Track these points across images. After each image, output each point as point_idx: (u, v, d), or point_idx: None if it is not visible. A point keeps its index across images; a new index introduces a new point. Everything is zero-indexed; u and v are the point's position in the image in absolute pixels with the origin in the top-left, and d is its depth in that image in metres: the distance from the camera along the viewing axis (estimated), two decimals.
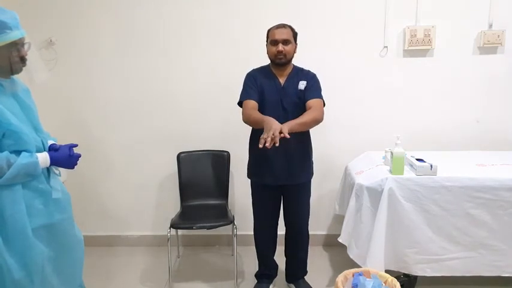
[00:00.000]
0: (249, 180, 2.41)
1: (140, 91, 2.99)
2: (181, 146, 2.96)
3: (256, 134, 2.24)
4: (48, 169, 1.71)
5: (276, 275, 2.57)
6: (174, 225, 2.58)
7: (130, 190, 3.13)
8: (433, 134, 2.91)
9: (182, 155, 2.92)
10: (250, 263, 2.82)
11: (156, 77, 2.97)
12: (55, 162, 1.70)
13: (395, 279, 1.92)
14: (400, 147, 2.21)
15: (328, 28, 2.86)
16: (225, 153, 2.94)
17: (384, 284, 1.90)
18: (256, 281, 2.55)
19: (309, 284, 2.48)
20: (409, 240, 2.21)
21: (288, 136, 1.87)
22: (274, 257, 2.53)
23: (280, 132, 1.86)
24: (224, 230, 2.89)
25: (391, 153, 2.24)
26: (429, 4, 2.79)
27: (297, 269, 2.51)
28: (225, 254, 3.07)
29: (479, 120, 2.91)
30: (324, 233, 3.14)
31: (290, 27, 2.21)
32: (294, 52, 2.23)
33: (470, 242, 2.20)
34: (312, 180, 2.40)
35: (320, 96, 2.24)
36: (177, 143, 2.98)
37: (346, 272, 1.96)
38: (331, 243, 2.97)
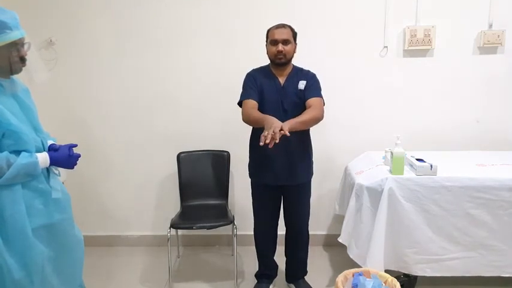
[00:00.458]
0: (249, 180, 2.41)
1: (140, 91, 2.99)
2: (181, 146, 2.96)
3: (256, 134, 2.25)
4: (47, 169, 1.71)
5: (276, 275, 2.57)
6: (174, 225, 2.58)
7: (130, 190, 3.13)
8: (433, 134, 2.91)
9: (182, 155, 2.92)
10: (250, 263, 2.82)
11: (156, 77, 2.97)
12: (55, 162, 1.70)
13: (395, 279, 1.92)
14: (400, 147, 2.21)
15: (328, 28, 2.86)
16: (225, 153, 2.94)
17: (383, 284, 1.90)
18: (256, 281, 2.55)
19: (309, 284, 2.48)
20: (409, 240, 2.21)
21: (288, 134, 1.87)
22: (274, 257, 2.53)
23: (281, 130, 1.86)
24: (224, 230, 2.89)
25: (391, 153, 2.24)
26: (429, 4, 2.79)
27: (297, 269, 2.51)
28: (225, 254, 3.07)
29: (479, 120, 2.91)
30: (324, 233, 3.14)
31: (290, 27, 2.21)
32: (294, 52, 2.23)
33: (470, 242, 2.20)
34: (312, 180, 2.40)
35: (320, 95, 2.24)
36: (177, 143, 2.98)
37: (346, 272, 1.96)
38: (331, 243, 2.97)
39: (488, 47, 2.81)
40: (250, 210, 2.47)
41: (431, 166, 2.18)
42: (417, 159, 2.27)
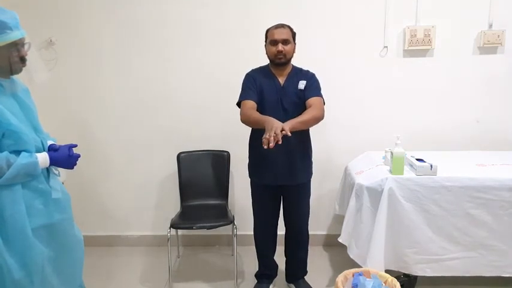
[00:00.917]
0: (249, 180, 2.41)
1: (140, 91, 2.99)
2: (181, 146, 2.96)
3: (256, 134, 2.25)
4: (47, 169, 1.71)
5: (276, 275, 2.57)
6: (174, 225, 2.58)
7: (130, 190, 3.13)
8: (433, 134, 2.91)
9: (182, 155, 2.92)
10: (250, 263, 2.81)
11: (156, 77, 2.97)
12: (54, 162, 1.70)
13: (395, 279, 1.92)
14: (400, 147, 2.21)
15: (328, 28, 2.86)
16: (225, 153, 2.94)
17: (383, 284, 1.90)
18: (256, 281, 2.55)
19: (309, 284, 2.48)
20: (409, 240, 2.21)
21: (289, 134, 1.87)
22: (274, 257, 2.53)
23: (282, 130, 1.86)
24: (224, 230, 2.89)
25: (391, 153, 2.24)
26: (429, 4, 2.79)
27: (297, 269, 2.51)
28: (225, 254, 3.07)
29: (479, 120, 2.91)
30: (324, 233, 3.14)
31: (289, 27, 2.21)
32: (294, 52, 2.23)
33: (470, 242, 2.20)
34: (311, 180, 2.40)
35: (320, 95, 2.24)
36: (177, 143, 2.98)
37: (346, 272, 1.96)
38: (331, 243, 2.97)
39: (488, 47, 2.81)
40: (250, 210, 2.47)
41: (431, 166, 2.18)
42: (417, 159, 2.27)
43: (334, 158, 2.97)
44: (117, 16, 2.91)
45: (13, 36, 1.56)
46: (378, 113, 2.94)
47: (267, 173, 2.28)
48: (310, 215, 2.44)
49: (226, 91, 2.82)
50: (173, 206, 3.02)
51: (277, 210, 2.42)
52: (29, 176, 1.60)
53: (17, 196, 1.57)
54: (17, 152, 1.57)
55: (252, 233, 2.50)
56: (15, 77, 1.68)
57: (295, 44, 2.24)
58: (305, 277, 2.52)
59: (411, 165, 2.30)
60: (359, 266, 2.18)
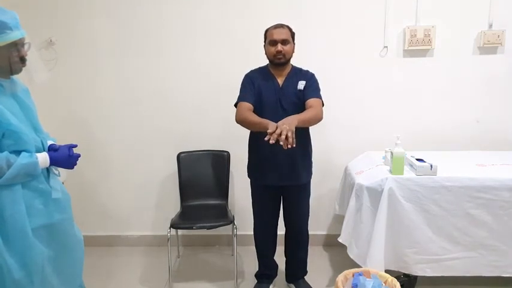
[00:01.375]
0: (249, 180, 2.41)
1: (140, 91, 2.99)
2: (181, 146, 2.96)
3: (255, 135, 2.25)
4: (47, 169, 1.71)
5: (276, 275, 2.57)
6: (174, 225, 2.58)
7: (130, 190, 3.13)
8: (433, 134, 2.91)
9: (182, 155, 2.92)
10: (250, 263, 2.81)
11: (156, 77, 2.97)
12: (54, 162, 1.70)
13: (395, 279, 1.92)
14: (400, 147, 2.21)
15: (328, 28, 2.86)
16: (225, 153, 2.94)
17: (383, 284, 1.89)
18: (256, 281, 2.55)
19: (309, 284, 2.48)
20: (409, 240, 2.21)
21: (294, 145, 1.85)
22: (274, 257, 2.53)
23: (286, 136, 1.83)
24: (224, 230, 2.89)
25: (391, 153, 2.24)
26: (429, 4, 2.79)
27: (297, 269, 2.51)
28: (225, 254, 3.07)
29: (479, 120, 2.91)
30: (324, 233, 3.14)
31: (288, 27, 2.21)
32: (293, 52, 2.23)
33: (470, 242, 2.20)
34: (311, 180, 2.40)
35: (319, 96, 2.24)
36: (177, 143, 2.98)
37: (346, 272, 1.96)
38: (331, 243, 2.97)
39: (488, 47, 2.81)
40: (250, 210, 2.47)
41: (431, 166, 2.18)
42: (417, 159, 2.27)
43: (334, 158, 2.97)
44: (117, 16, 2.91)
45: (13, 36, 1.56)
46: (378, 113, 2.94)
47: (268, 173, 2.27)
48: (310, 215, 2.44)
49: (226, 91, 2.81)
50: (173, 206, 3.02)
51: (277, 210, 2.42)
52: (29, 176, 1.60)
53: (17, 196, 1.57)
54: (17, 152, 1.57)
55: (252, 233, 2.50)
56: (15, 77, 1.68)
57: (294, 44, 2.24)
58: (305, 277, 2.52)
59: (411, 165, 2.30)
60: (359, 266, 2.18)
